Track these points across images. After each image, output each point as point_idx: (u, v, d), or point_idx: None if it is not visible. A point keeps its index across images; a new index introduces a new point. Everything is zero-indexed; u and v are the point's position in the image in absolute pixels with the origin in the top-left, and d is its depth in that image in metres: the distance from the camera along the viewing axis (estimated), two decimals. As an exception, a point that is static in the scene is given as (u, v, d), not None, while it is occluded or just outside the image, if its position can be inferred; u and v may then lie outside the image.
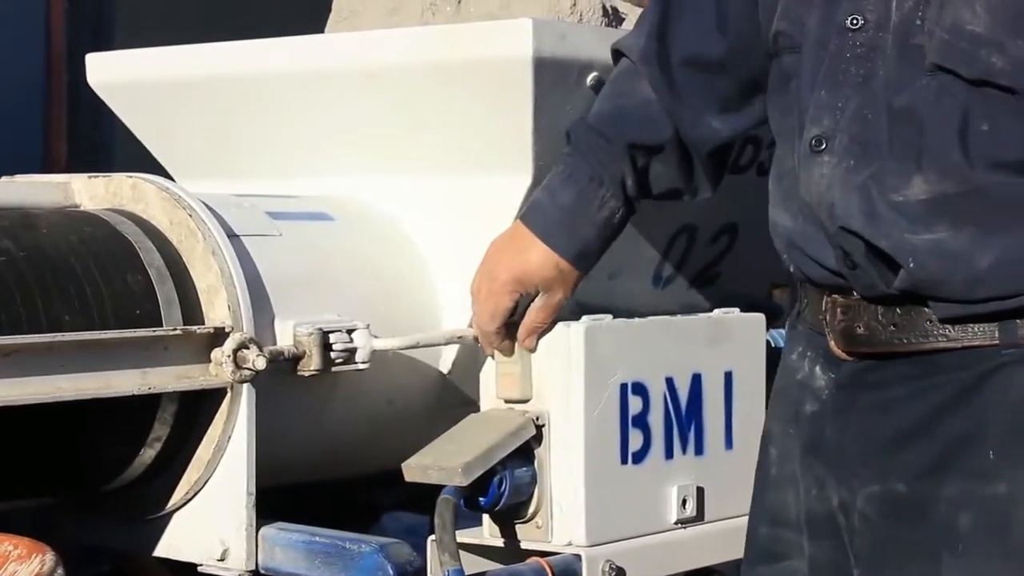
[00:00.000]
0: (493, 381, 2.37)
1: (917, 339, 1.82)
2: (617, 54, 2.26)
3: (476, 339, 2.38)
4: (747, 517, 2.14)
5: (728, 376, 2.58)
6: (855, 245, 1.82)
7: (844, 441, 1.90)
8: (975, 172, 1.74)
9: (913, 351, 1.82)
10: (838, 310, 1.91)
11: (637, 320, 2.47)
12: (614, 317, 2.41)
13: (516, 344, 2.32)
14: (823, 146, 1.85)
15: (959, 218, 1.75)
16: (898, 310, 1.83)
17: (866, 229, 1.80)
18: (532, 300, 2.26)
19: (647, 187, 2.22)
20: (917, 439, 1.81)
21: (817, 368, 1.97)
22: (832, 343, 1.92)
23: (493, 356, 2.36)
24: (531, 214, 2.24)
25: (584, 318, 2.35)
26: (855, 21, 1.82)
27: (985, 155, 1.74)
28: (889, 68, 1.79)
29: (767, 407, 2.19)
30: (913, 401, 1.82)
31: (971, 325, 1.77)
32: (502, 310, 2.26)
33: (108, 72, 3.06)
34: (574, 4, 2.98)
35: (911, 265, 1.77)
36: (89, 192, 2.50)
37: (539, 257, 2.20)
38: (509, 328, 2.29)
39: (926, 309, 1.80)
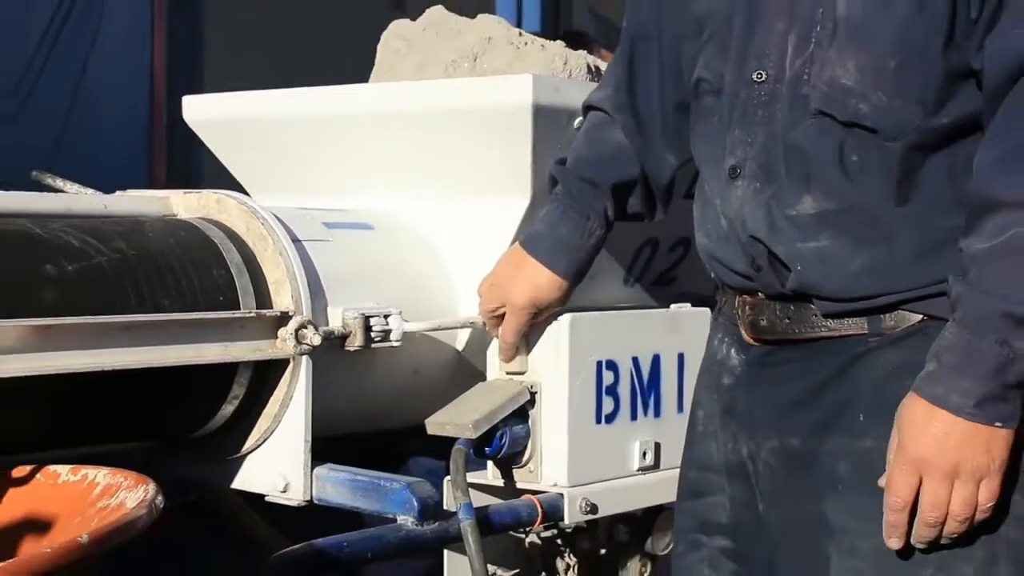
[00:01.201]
0: (497, 357, 2.41)
1: (805, 330, 1.85)
2: (589, 108, 2.27)
3: (484, 324, 2.38)
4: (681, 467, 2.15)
5: (681, 357, 2.61)
6: (760, 251, 1.85)
7: (752, 407, 1.94)
8: (850, 194, 1.77)
9: (803, 339, 1.86)
10: (747, 307, 1.94)
11: (610, 312, 2.50)
12: (593, 310, 2.42)
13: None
14: (737, 173, 1.88)
15: (838, 230, 1.78)
16: (791, 307, 1.86)
17: (768, 238, 1.83)
18: None
19: (622, 214, 2.24)
20: (806, 406, 1.85)
21: (732, 351, 2.00)
22: (743, 332, 1.96)
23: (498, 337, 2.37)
24: (535, 244, 2.24)
25: (569, 311, 2.38)
26: (759, 76, 1.85)
27: (857, 180, 1.77)
28: (784, 112, 1.82)
29: (699, 380, 2.17)
30: (803, 377, 1.86)
31: (846, 319, 1.81)
32: (522, 326, 2.29)
33: (199, 110, 3.05)
34: (565, 63, 2.96)
35: (798, 268, 1.80)
36: (184, 205, 2.51)
37: (546, 281, 2.22)
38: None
39: (812, 306, 1.83)
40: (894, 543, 1.69)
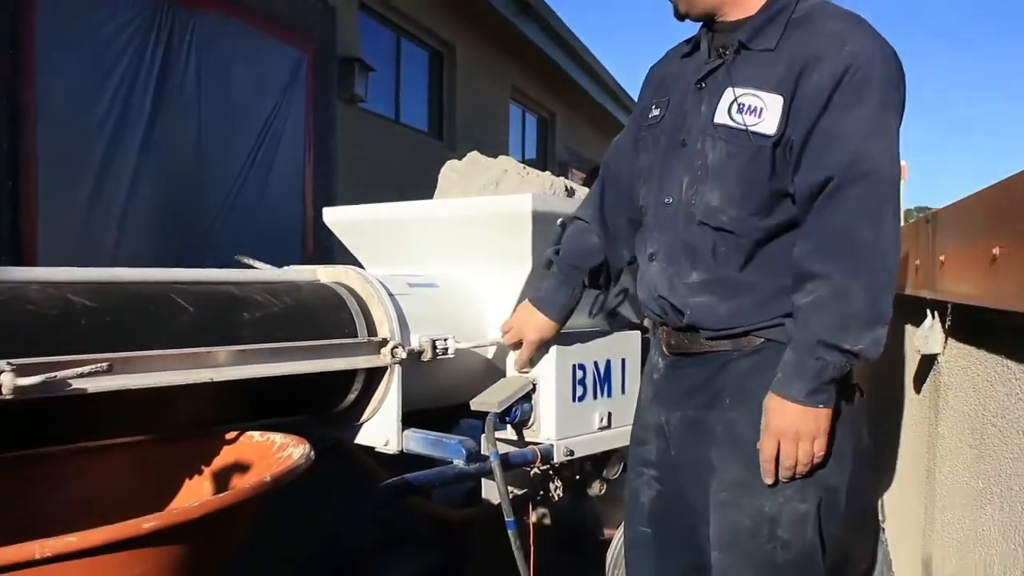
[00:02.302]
0: (513, 364, 2.40)
1: (696, 347, 1.86)
2: (575, 218, 2.23)
3: (506, 345, 2.36)
4: (631, 427, 2.15)
5: (623, 360, 2.60)
6: (665, 304, 1.87)
7: (666, 392, 1.95)
8: (718, 270, 1.79)
9: (695, 352, 1.87)
10: (664, 334, 1.94)
11: (582, 332, 2.48)
12: (570, 332, 2.41)
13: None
14: (654, 258, 1.89)
15: (712, 291, 1.80)
16: (688, 334, 1.87)
17: (670, 296, 1.85)
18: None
19: (594, 285, 2.22)
20: (698, 391, 1.87)
21: (659, 358, 1.99)
22: (663, 348, 1.96)
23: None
24: (540, 302, 2.21)
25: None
26: (668, 200, 1.85)
27: (722, 261, 1.78)
28: (680, 222, 1.83)
29: (641, 375, 2.19)
30: (696, 375, 1.87)
31: (721, 340, 1.82)
32: (533, 351, 2.29)
33: (332, 215, 3.06)
34: (551, 186, 3.00)
35: (688, 312, 1.83)
36: (324, 274, 2.51)
37: (547, 325, 2.21)
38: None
39: (699, 334, 1.84)
40: (768, 480, 1.71)
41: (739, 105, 1.73)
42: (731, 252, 1.79)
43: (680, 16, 1.89)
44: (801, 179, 1.69)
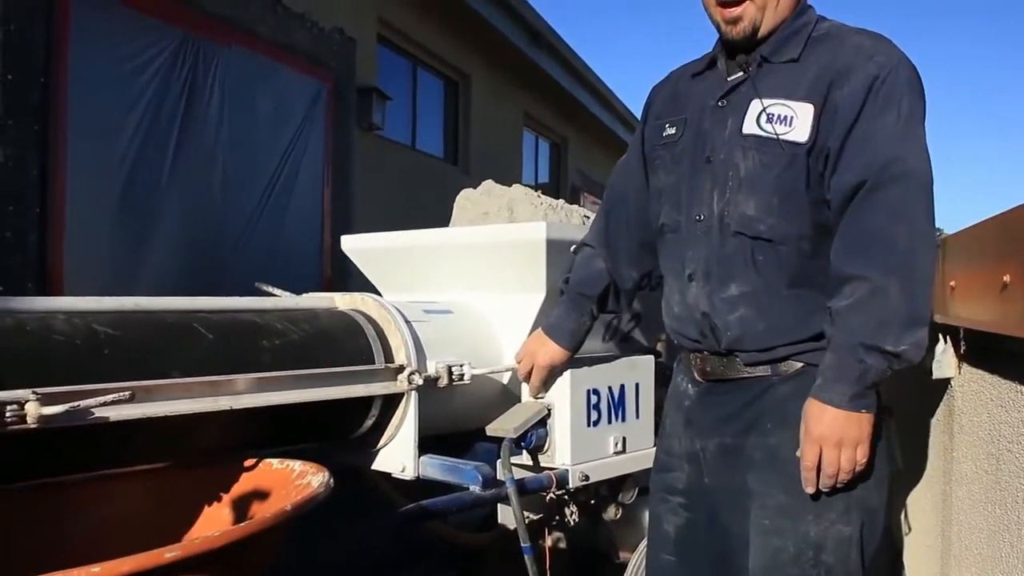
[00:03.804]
0: (528, 388, 2.38)
1: (734, 372, 1.82)
2: (583, 244, 2.22)
3: (519, 372, 2.34)
4: (645, 451, 2.11)
5: (637, 385, 2.58)
6: (705, 325, 1.82)
7: (700, 419, 1.90)
8: (757, 281, 1.75)
9: (732, 378, 1.83)
10: (698, 360, 1.89)
11: (595, 356, 2.47)
12: (584, 358, 2.39)
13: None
14: (693, 277, 1.84)
15: (750, 304, 1.76)
16: (724, 359, 1.82)
17: (712, 314, 1.80)
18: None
19: (603, 310, 2.20)
20: (734, 418, 1.82)
21: (688, 385, 1.95)
22: (695, 374, 1.91)
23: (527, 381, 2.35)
24: (551, 330, 2.21)
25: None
26: (699, 216, 1.81)
27: (763, 273, 1.75)
28: (715, 236, 1.79)
29: (664, 402, 2.10)
30: (733, 401, 1.83)
31: (759, 366, 1.78)
32: (544, 377, 2.27)
33: (350, 243, 3.04)
34: (568, 216, 3.00)
35: (728, 331, 1.79)
36: (341, 301, 2.49)
37: (559, 353, 2.20)
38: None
39: (736, 359, 1.80)
40: (809, 489, 1.66)
41: (768, 115, 1.73)
42: (771, 263, 1.76)
43: (734, 37, 1.82)
44: (836, 183, 1.67)
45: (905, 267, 1.59)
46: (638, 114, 2.22)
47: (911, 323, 1.59)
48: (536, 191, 3.16)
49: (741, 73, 1.82)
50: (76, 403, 1.59)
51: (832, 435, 1.62)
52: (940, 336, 2.16)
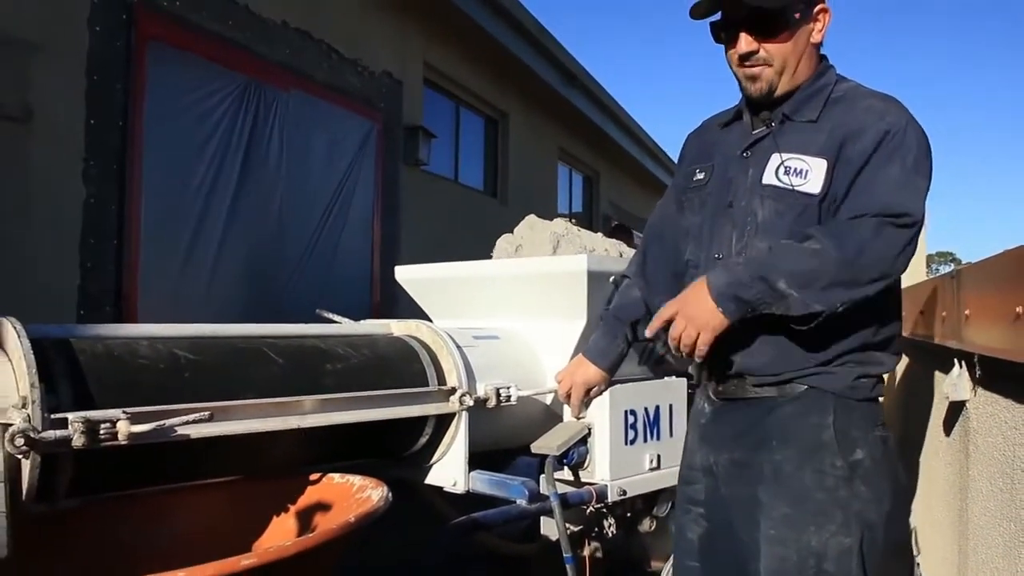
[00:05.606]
0: (570, 408, 2.37)
1: (744, 393, 1.83)
2: (622, 276, 2.20)
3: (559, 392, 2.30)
4: (678, 467, 2.11)
5: (671, 406, 2.60)
6: (721, 350, 1.76)
7: (715, 435, 1.91)
8: (771, 316, 1.69)
9: (743, 398, 1.84)
10: (713, 380, 1.90)
11: (633, 380, 2.47)
12: (622, 381, 2.41)
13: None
14: None
15: (760, 338, 1.76)
16: (735, 380, 1.84)
17: (722, 344, 1.73)
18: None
19: (636, 335, 2.15)
20: (745, 435, 1.83)
21: (705, 404, 1.95)
22: (710, 394, 1.92)
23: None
24: (590, 353, 2.17)
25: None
26: (717, 255, 1.83)
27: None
28: None
29: (687, 421, 2.13)
30: (743, 419, 1.84)
31: (766, 387, 1.80)
32: (584, 398, 2.20)
33: (404, 273, 3.06)
34: (606, 250, 3.03)
35: (736, 360, 1.80)
36: (397, 327, 2.52)
37: (596, 374, 2.15)
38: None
39: (746, 380, 1.82)
40: (648, 334, 1.77)
41: (786, 168, 1.76)
42: None
43: (753, 94, 1.86)
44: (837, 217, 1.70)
45: (853, 266, 1.61)
46: (666, 148, 2.28)
47: (816, 293, 1.61)
48: (570, 219, 3.19)
49: (764, 128, 1.85)
50: (162, 422, 1.66)
51: (688, 309, 1.67)
52: (956, 361, 2.16)
